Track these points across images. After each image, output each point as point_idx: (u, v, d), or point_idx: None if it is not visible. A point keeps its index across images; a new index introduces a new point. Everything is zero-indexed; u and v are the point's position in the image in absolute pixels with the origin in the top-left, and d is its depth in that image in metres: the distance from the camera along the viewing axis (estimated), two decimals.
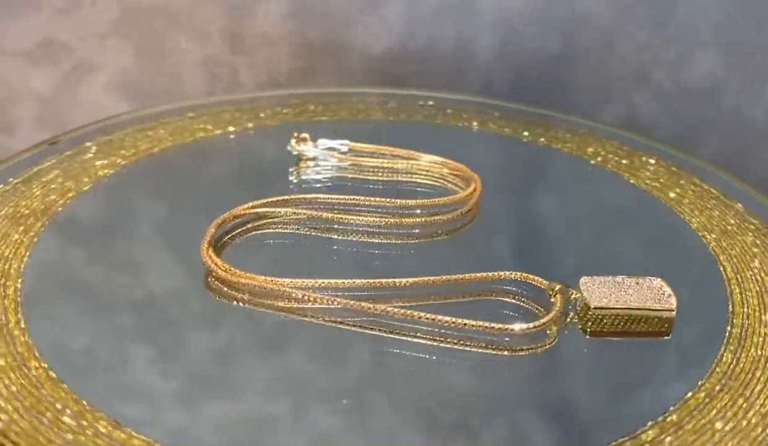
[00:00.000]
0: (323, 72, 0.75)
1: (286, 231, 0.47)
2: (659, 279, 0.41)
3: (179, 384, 0.36)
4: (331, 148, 0.54)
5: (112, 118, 0.58)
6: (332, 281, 0.41)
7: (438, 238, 0.47)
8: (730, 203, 0.51)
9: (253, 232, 0.46)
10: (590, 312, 0.40)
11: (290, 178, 0.53)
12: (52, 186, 0.49)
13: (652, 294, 0.40)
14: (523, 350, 0.39)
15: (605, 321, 0.40)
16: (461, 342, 0.39)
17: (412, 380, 0.37)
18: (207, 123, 0.58)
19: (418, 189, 0.52)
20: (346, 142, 0.54)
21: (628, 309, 0.40)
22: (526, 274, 0.42)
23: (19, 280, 0.41)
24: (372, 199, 0.49)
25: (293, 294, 0.40)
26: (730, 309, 0.42)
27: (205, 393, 0.36)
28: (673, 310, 0.40)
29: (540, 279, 0.42)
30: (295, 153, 0.54)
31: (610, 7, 0.71)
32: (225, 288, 0.41)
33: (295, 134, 0.54)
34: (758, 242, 0.47)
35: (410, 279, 0.41)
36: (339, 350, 0.39)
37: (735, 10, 0.70)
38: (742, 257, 0.46)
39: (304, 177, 0.53)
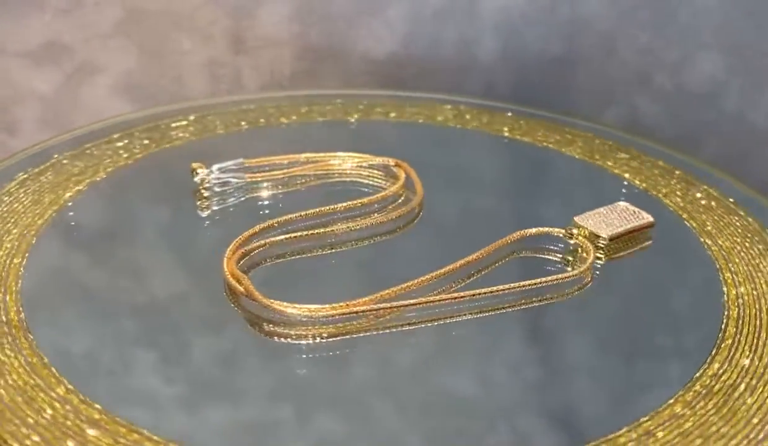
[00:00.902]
0: (326, 74, 0.75)
1: (280, 254, 0.45)
2: (621, 202, 0.49)
3: (183, 388, 0.36)
4: (227, 170, 0.50)
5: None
6: (399, 288, 0.41)
7: (406, 229, 0.48)
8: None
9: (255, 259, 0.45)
10: (605, 242, 0.46)
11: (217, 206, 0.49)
12: None
13: (629, 214, 0.48)
14: (576, 292, 0.44)
15: (612, 246, 0.46)
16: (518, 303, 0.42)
17: (416, 384, 0.37)
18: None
19: (352, 188, 0.52)
20: (240, 160, 0.51)
21: (626, 231, 0.47)
22: (540, 229, 0.46)
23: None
24: (336, 206, 0.48)
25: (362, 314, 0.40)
26: None
27: (208, 398, 0.36)
28: (653, 221, 0.48)
29: (552, 229, 0.46)
30: (197, 180, 0.49)
31: (612, 10, 0.71)
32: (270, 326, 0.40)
33: (193, 165, 0.49)
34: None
35: (446, 268, 0.43)
36: (342, 354, 0.39)
37: (736, 13, 0.70)
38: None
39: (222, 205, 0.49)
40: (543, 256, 0.46)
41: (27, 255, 0.43)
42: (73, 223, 0.47)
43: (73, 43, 0.72)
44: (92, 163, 0.52)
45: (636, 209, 0.48)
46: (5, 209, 0.46)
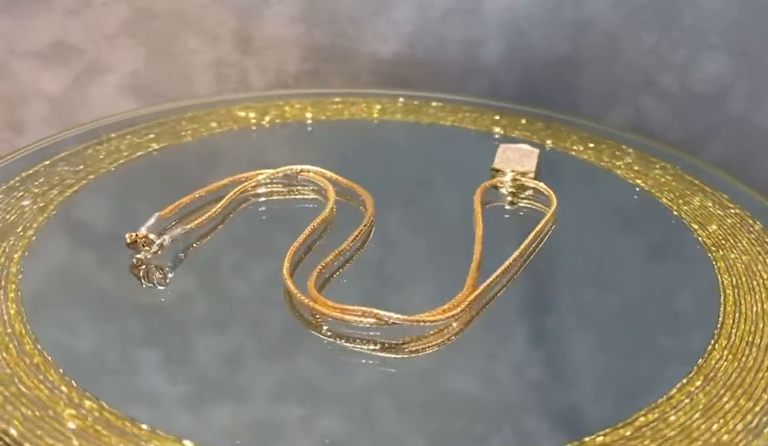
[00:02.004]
0: (331, 74, 0.75)
1: None
2: (502, 145, 0.56)
3: (187, 388, 0.37)
4: (153, 228, 0.44)
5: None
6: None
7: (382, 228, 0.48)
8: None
9: None
10: (532, 176, 0.53)
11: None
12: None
13: (520, 150, 0.55)
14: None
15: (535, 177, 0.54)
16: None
17: (419, 385, 0.38)
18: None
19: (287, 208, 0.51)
20: (156, 215, 0.46)
21: (536, 163, 0.54)
22: (492, 181, 0.53)
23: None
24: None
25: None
26: None
27: (213, 398, 0.36)
28: (538, 149, 0.56)
29: (502, 179, 0.53)
30: (156, 248, 0.43)
31: (618, 11, 0.71)
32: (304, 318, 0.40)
33: (130, 238, 0.43)
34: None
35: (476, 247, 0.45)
36: (346, 355, 0.39)
37: (742, 15, 0.70)
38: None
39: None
40: (509, 206, 0.52)
41: (27, 253, 0.43)
42: (75, 221, 0.47)
43: (80, 43, 0.72)
44: (94, 160, 0.52)
45: (517, 145, 0.56)
46: (6, 205, 0.47)
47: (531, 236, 0.47)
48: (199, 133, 0.57)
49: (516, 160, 0.54)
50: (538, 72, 0.74)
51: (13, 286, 0.41)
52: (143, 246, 0.43)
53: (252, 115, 0.61)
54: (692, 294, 0.44)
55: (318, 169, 0.52)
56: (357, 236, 0.46)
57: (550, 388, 0.38)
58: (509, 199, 0.52)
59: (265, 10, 0.73)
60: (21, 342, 0.38)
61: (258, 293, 0.42)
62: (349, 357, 0.39)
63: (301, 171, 0.52)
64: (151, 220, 0.45)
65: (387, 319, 0.39)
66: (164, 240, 0.44)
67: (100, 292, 0.42)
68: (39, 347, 0.37)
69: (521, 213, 0.51)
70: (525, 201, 0.52)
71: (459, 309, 0.41)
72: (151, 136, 0.56)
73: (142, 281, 0.42)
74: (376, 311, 0.39)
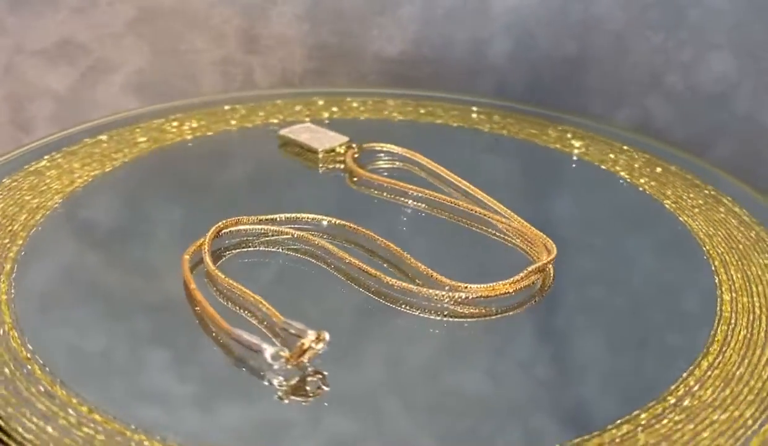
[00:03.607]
0: (337, 73, 0.75)
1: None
2: (284, 133, 0.56)
3: (194, 388, 0.37)
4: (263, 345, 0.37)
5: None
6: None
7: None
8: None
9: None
10: (357, 147, 0.55)
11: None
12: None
13: (307, 124, 0.57)
14: None
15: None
16: None
17: (427, 384, 0.38)
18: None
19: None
20: (248, 337, 0.37)
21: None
22: (351, 166, 0.53)
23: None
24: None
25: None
26: None
27: (220, 397, 0.36)
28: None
29: (350, 156, 0.54)
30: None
31: (624, 11, 0.71)
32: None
33: (294, 355, 0.36)
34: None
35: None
36: (353, 354, 0.39)
37: (749, 14, 0.70)
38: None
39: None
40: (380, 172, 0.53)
41: (28, 250, 0.43)
42: (74, 219, 0.47)
43: (86, 41, 0.73)
44: (98, 158, 0.52)
45: (293, 127, 0.56)
46: (10, 200, 0.47)
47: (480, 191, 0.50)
48: (202, 131, 0.58)
49: (319, 136, 0.55)
50: (545, 71, 0.73)
51: (12, 285, 0.41)
52: (310, 350, 0.36)
53: (236, 116, 0.61)
54: (691, 291, 0.44)
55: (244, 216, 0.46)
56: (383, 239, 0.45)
57: (557, 386, 0.38)
58: (366, 168, 0.53)
59: (271, 8, 0.73)
60: (18, 341, 0.38)
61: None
62: (356, 356, 0.39)
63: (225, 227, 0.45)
64: (259, 341, 0.37)
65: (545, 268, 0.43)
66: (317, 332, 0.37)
67: (105, 290, 0.42)
68: (35, 346, 0.37)
69: (397, 174, 0.53)
70: (384, 164, 0.55)
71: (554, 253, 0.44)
72: (156, 133, 0.56)
73: (310, 396, 0.36)
74: (535, 266, 0.42)
